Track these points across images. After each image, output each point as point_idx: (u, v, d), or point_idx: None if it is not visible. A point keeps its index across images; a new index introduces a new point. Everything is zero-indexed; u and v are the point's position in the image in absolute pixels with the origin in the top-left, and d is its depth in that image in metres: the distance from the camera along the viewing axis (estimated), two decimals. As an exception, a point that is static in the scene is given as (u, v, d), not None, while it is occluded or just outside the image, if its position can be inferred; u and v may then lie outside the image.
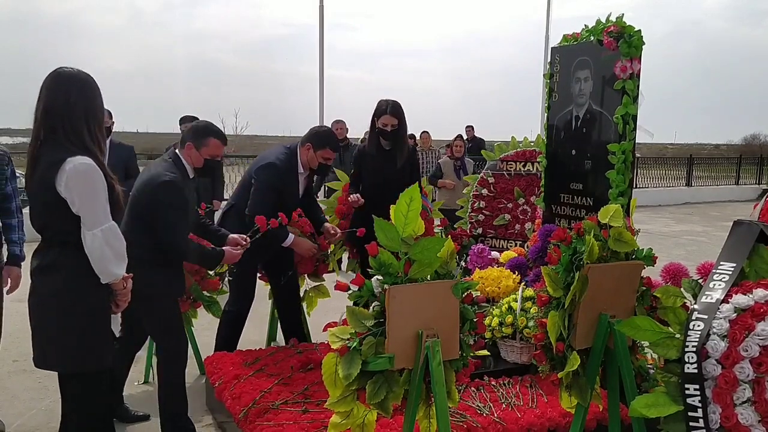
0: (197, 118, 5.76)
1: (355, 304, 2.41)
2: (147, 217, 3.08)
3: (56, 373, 2.56)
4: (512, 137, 5.17)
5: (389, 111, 4.30)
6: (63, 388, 2.57)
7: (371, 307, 2.42)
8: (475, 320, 2.56)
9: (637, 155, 22.21)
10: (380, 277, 2.40)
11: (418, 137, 9.31)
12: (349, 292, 2.43)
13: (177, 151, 3.26)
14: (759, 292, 2.25)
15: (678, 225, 13.31)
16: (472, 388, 3.26)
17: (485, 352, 3.07)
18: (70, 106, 2.32)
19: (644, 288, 2.83)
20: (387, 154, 4.36)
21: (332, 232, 4.23)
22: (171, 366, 3.20)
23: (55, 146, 2.32)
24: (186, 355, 3.28)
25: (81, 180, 2.28)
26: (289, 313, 4.31)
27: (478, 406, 3.05)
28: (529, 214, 4.92)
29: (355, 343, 2.34)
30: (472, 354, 2.63)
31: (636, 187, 17.95)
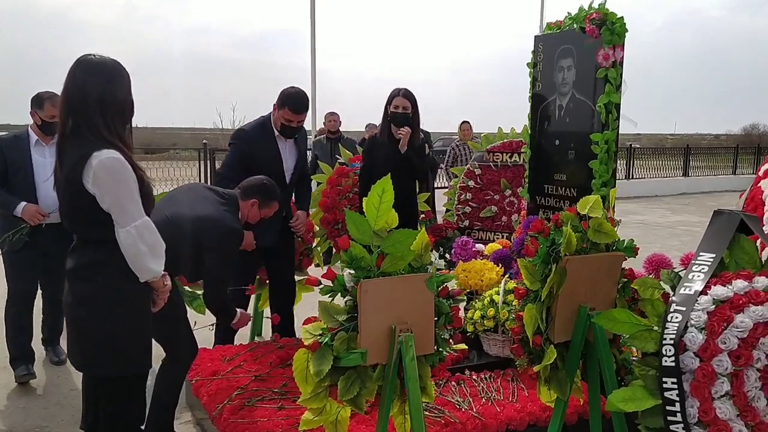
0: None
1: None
2: (186, 250, 3.04)
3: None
4: (499, 128, 5.11)
5: (402, 94, 4.28)
6: (94, 390, 2.51)
7: (344, 302, 2.37)
8: (450, 314, 2.51)
9: (636, 146, 22.24)
10: (352, 271, 2.35)
11: (458, 128, 8.86)
12: (320, 286, 2.37)
13: (239, 199, 3.29)
14: (738, 283, 2.21)
15: (674, 215, 13.28)
16: (453, 383, 3.22)
17: (462, 346, 3.02)
18: (84, 96, 2.20)
19: (625, 279, 2.78)
20: (398, 141, 4.27)
21: (298, 225, 4.13)
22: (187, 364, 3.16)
23: (78, 141, 2.20)
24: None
25: (109, 175, 2.16)
26: (281, 309, 4.24)
27: (457, 400, 3.01)
28: (516, 205, 4.88)
29: (326, 339, 2.29)
30: (450, 348, 2.59)
31: (633, 178, 18.05)
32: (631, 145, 20.13)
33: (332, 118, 7.55)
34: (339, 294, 2.36)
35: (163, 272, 2.34)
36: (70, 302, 2.30)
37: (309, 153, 9.35)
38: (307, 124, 12.55)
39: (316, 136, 8.97)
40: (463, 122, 8.48)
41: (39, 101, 4.03)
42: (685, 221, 12.26)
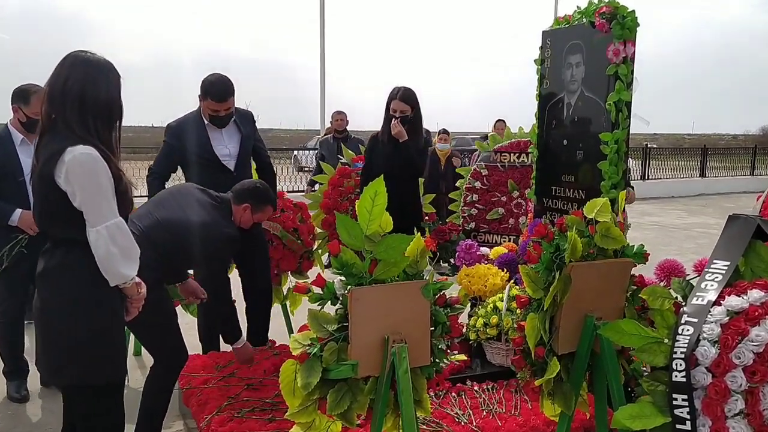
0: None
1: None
2: (178, 256, 2.99)
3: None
4: (506, 127, 4.98)
5: (399, 96, 4.04)
6: (70, 402, 2.39)
7: (334, 310, 2.25)
8: (448, 323, 2.38)
9: (653, 146, 21.90)
10: (343, 278, 2.23)
11: (492, 128, 8.38)
12: (309, 293, 2.25)
13: (232, 203, 3.21)
14: (754, 294, 2.07)
15: (690, 217, 13.05)
16: (453, 394, 3.09)
17: (462, 357, 2.89)
18: (65, 91, 2.12)
19: (635, 287, 2.64)
20: (397, 142, 4.06)
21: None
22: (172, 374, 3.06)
23: (54, 136, 2.13)
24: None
25: (81, 171, 2.07)
26: (257, 317, 4.10)
27: (456, 413, 2.87)
28: (524, 207, 4.74)
29: (315, 350, 2.17)
30: (450, 359, 2.47)
31: (649, 179, 17.78)
32: (647, 144, 19.87)
33: (339, 117, 7.41)
34: (330, 302, 2.24)
35: (137, 279, 2.23)
36: (39, 307, 2.21)
37: (315, 152, 9.31)
38: (316, 124, 12.57)
39: (324, 135, 8.86)
40: (498, 121, 8.21)
41: (24, 96, 3.62)
42: (701, 223, 12.03)
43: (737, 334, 1.99)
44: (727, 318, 2.03)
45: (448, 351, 2.44)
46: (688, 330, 2.06)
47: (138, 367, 4.33)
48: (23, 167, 3.61)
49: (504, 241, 4.69)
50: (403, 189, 3.95)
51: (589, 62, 3.48)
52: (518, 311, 3.21)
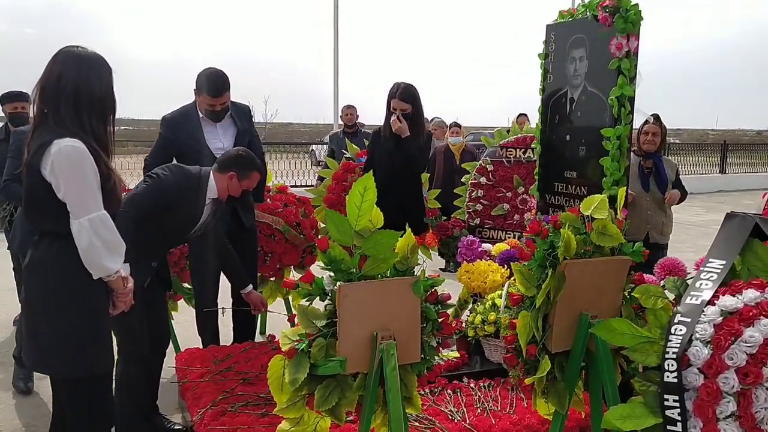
0: (24, 93, 4.46)
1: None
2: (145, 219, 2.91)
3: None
4: (513, 122, 4.93)
5: (398, 95, 3.98)
6: (58, 393, 2.40)
7: (324, 306, 2.24)
8: (439, 320, 2.35)
9: (676, 141, 21.47)
10: (332, 274, 2.22)
11: (514, 120, 8.15)
12: (298, 289, 2.24)
13: (211, 171, 3.17)
14: (749, 293, 2.03)
15: (708, 214, 12.85)
16: (448, 391, 3.05)
17: (455, 354, 2.85)
18: (60, 87, 2.13)
19: (633, 285, 2.59)
20: (399, 138, 4.01)
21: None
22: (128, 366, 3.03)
23: (44, 130, 2.14)
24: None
25: (66, 162, 2.09)
26: (243, 316, 4.02)
27: (450, 410, 2.84)
28: (529, 203, 4.68)
29: (303, 345, 2.16)
30: (442, 356, 2.44)
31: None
32: (668, 140, 19.59)
33: (349, 111, 7.39)
34: (318, 298, 2.23)
35: (123, 273, 2.23)
36: (23, 298, 2.23)
37: (325, 147, 9.31)
38: (330, 120, 12.56)
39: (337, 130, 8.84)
40: (520, 115, 8.02)
41: None
42: (718, 220, 11.58)
43: (730, 334, 1.95)
44: (721, 318, 2.00)
45: (440, 348, 2.42)
46: (680, 330, 2.03)
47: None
48: None
49: (509, 237, 4.65)
50: (404, 185, 3.94)
51: (592, 56, 3.42)
52: (514, 309, 3.19)
